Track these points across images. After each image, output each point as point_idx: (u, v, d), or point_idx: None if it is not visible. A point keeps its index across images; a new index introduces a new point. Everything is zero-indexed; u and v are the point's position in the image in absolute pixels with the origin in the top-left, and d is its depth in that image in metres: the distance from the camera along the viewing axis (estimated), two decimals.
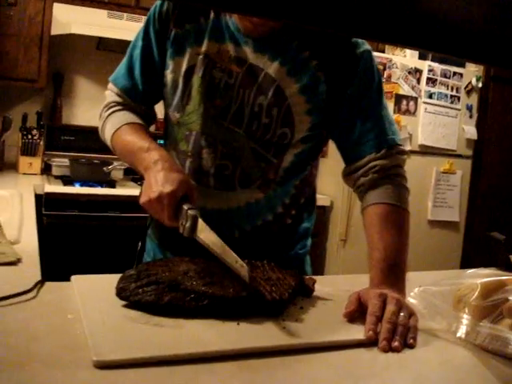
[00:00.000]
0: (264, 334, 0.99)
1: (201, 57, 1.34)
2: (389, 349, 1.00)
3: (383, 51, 3.91)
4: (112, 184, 3.39)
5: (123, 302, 1.05)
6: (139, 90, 1.44)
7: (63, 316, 1.00)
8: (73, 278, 1.18)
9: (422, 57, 4.04)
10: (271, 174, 1.38)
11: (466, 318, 1.07)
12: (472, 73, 4.19)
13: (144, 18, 3.47)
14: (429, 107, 4.04)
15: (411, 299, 1.17)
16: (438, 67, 4.06)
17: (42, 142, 3.52)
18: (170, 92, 1.40)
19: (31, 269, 1.29)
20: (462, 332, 1.07)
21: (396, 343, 1.00)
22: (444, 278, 1.28)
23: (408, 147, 3.75)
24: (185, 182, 1.19)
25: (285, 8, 0.49)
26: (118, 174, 3.58)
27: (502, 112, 4.46)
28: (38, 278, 1.19)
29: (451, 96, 4.14)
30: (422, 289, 1.19)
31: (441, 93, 4.09)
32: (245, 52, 1.33)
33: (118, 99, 1.46)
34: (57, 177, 3.44)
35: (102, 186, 3.30)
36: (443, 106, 4.10)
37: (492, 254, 1.83)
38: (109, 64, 3.60)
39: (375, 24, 0.52)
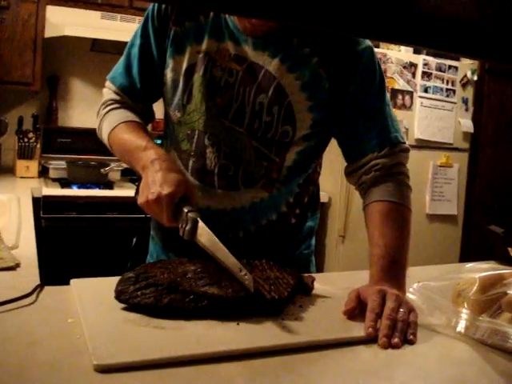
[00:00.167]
0: (264, 333, 0.99)
1: (201, 55, 1.33)
2: (389, 345, 1.00)
3: (378, 46, 3.90)
4: (110, 185, 3.39)
5: (122, 305, 1.05)
6: (137, 88, 1.43)
7: (63, 320, 1.00)
8: (72, 281, 1.18)
9: (416, 51, 4.04)
10: (274, 173, 1.38)
11: (465, 313, 1.07)
12: (467, 66, 4.19)
13: (138, 19, 3.50)
14: (424, 101, 4.04)
15: (410, 295, 1.17)
16: (433, 61, 4.06)
17: (38, 145, 3.51)
18: (171, 91, 1.40)
19: (30, 273, 1.29)
20: (461, 327, 1.07)
21: (396, 339, 1.00)
22: (443, 272, 1.28)
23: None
24: (183, 182, 1.18)
25: (278, 9, 0.49)
26: (115, 176, 3.57)
27: (497, 104, 4.46)
28: (37, 282, 1.18)
29: (447, 89, 4.14)
30: (420, 284, 1.19)
31: (436, 86, 4.09)
32: (245, 50, 1.32)
33: (115, 97, 1.45)
34: (54, 179, 3.44)
35: (99, 188, 3.30)
36: (439, 100, 4.10)
37: (490, 247, 1.83)
38: (103, 65, 3.61)
39: (369, 22, 0.52)
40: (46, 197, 3.03)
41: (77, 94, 3.83)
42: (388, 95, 1.42)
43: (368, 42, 1.35)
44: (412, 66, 3.98)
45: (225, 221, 1.39)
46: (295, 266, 1.32)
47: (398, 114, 3.85)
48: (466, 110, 4.26)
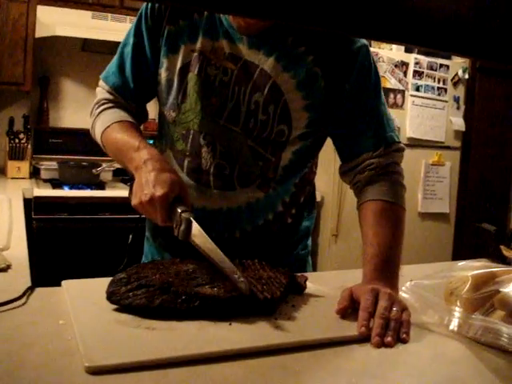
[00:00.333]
0: (257, 333, 0.99)
1: (195, 54, 1.33)
2: (382, 344, 0.99)
3: (369, 45, 3.91)
4: (101, 186, 3.38)
5: (114, 306, 1.04)
6: (130, 87, 1.42)
7: (54, 322, 0.99)
8: (63, 282, 1.17)
9: (408, 50, 4.05)
10: (270, 173, 1.37)
11: (457, 311, 1.07)
12: (458, 64, 4.21)
13: (129, 18, 3.49)
14: (416, 100, 4.06)
15: (403, 293, 1.17)
16: (425, 60, 4.07)
17: (29, 146, 3.50)
18: (165, 90, 1.39)
19: (21, 275, 1.28)
20: (454, 325, 1.07)
21: (389, 338, 1.00)
22: (435, 270, 1.28)
23: None
24: (177, 182, 1.17)
25: (272, 8, 0.48)
26: (107, 176, 3.56)
27: (489, 102, 4.48)
28: (28, 284, 1.18)
29: (438, 88, 4.15)
30: (413, 283, 1.19)
31: (428, 85, 4.10)
32: (239, 49, 1.31)
33: (108, 96, 1.44)
34: (46, 180, 3.43)
35: (91, 189, 3.29)
36: (430, 99, 4.12)
37: (483, 245, 1.84)
38: (94, 65, 3.61)
39: (363, 21, 0.51)
40: (37, 198, 3.01)
41: (68, 95, 3.82)
42: (384, 96, 1.42)
43: (363, 41, 1.34)
44: (403, 64, 3.99)
45: (221, 221, 1.38)
46: (292, 266, 1.32)
47: (390, 113, 3.86)
48: (458, 108, 4.27)
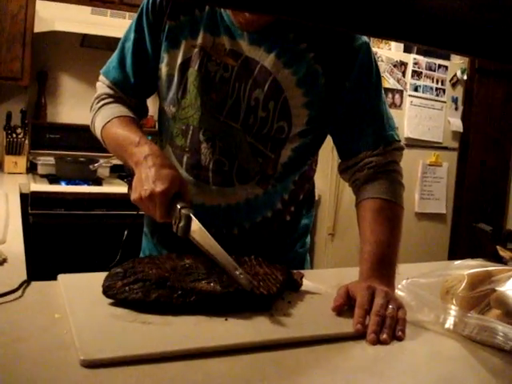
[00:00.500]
0: (252, 329, 0.99)
1: (196, 50, 1.32)
2: (377, 341, 1.00)
3: None
4: (98, 182, 3.38)
5: (110, 300, 1.04)
6: (131, 82, 1.42)
7: (50, 315, 0.99)
8: (59, 276, 1.17)
9: (407, 50, 4.05)
10: (269, 170, 1.37)
11: (453, 310, 1.07)
12: (457, 65, 4.21)
13: (128, 14, 3.48)
14: (414, 100, 4.06)
15: (399, 291, 1.17)
16: (423, 60, 4.08)
17: (26, 141, 3.50)
18: (165, 85, 1.39)
19: (17, 269, 1.28)
20: (449, 323, 1.07)
21: (384, 336, 1.00)
22: (431, 269, 1.28)
23: None
24: (177, 178, 1.17)
25: (274, 3, 0.48)
26: (104, 172, 3.56)
27: (487, 103, 4.49)
28: (24, 277, 1.17)
29: (436, 88, 4.16)
30: (409, 281, 1.19)
31: (426, 85, 4.11)
32: (240, 45, 1.31)
33: (109, 91, 1.43)
34: (42, 175, 3.42)
35: (88, 184, 3.29)
36: (429, 99, 4.13)
37: (479, 245, 1.84)
38: (93, 61, 3.60)
39: (362, 18, 0.51)
40: (34, 193, 3.01)
41: (66, 90, 3.81)
42: (384, 95, 1.41)
43: (365, 39, 1.34)
44: (402, 64, 4.00)
45: (219, 217, 1.38)
46: (290, 264, 1.32)
47: (391, 112, 3.87)
48: (456, 109, 4.28)
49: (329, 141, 1.45)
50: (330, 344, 0.98)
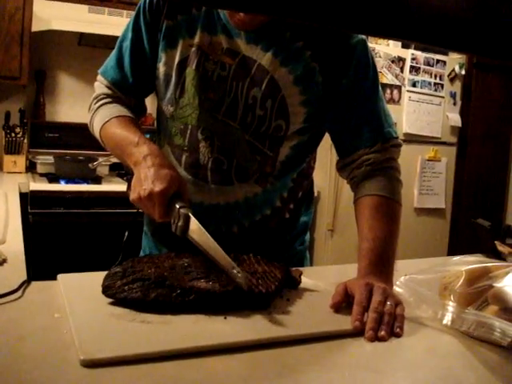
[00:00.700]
0: (251, 327, 1.00)
1: (193, 49, 1.32)
2: (375, 338, 1.00)
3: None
4: (98, 180, 3.38)
5: (109, 300, 1.04)
6: (129, 82, 1.42)
7: (50, 315, 1.00)
8: (59, 276, 1.17)
9: (405, 45, 4.05)
10: (268, 168, 1.37)
11: (451, 306, 1.08)
12: (455, 60, 4.21)
13: (125, 13, 3.47)
14: (413, 95, 4.06)
15: (397, 288, 1.17)
16: (421, 55, 4.08)
17: (25, 140, 3.50)
18: (163, 85, 1.39)
19: (17, 269, 1.29)
20: (447, 319, 1.07)
21: (382, 332, 1.01)
22: (429, 265, 1.29)
23: None
24: (176, 178, 1.17)
25: (269, 3, 0.49)
26: (103, 170, 3.56)
27: (485, 98, 4.48)
28: (24, 277, 1.18)
29: (435, 84, 4.16)
30: (407, 277, 1.19)
31: (424, 81, 4.11)
32: (237, 44, 1.31)
33: (107, 91, 1.44)
34: (42, 174, 3.42)
35: (87, 183, 3.29)
36: (427, 94, 4.12)
37: (478, 240, 1.84)
38: (91, 59, 3.60)
39: (358, 17, 0.52)
40: (33, 192, 3.01)
41: (64, 89, 3.81)
42: (381, 92, 1.41)
43: (361, 36, 1.34)
44: (400, 60, 4.00)
45: (218, 216, 1.38)
46: (290, 261, 1.32)
47: (388, 109, 3.87)
48: (454, 104, 4.28)
49: (328, 137, 1.45)
50: (328, 341, 0.98)
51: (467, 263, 1.21)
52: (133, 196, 1.19)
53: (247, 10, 0.60)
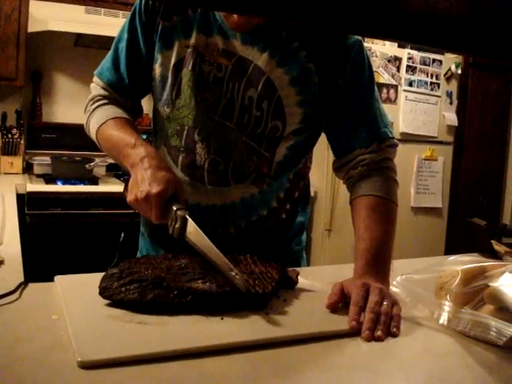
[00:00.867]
0: (248, 327, 1.00)
1: (189, 50, 1.32)
2: (372, 338, 1.00)
3: (363, 40, 3.91)
4: (95, 181, 3.38)
5: (107, 301, 1.04)
6: (125, 83, 1.42)
7: (47, 317, 1.00)
8: (56, 278, 1.17)
9: (401, 45, 4.05)
10: (265, 168, 1.37)
11: (447, 305, 1.08)
12: (451, 60, 4.21)
13: (122, 13, 3.47)
14: (409, 95, 4.07)
15: (394, 288, 1.17)
16: (418, 55, 4.08)
17: (22, 141, 3.50)
18: (159, 86, 1.39)
19: (14, 270, 1.29)
20: (444, 319, 1.07)
21: (379, 332, 1.01)
22: (426, 265, 1.29)
23: None
24: (173, 180, 1.18)
25: (266, 5, 0.49)
26: (100, 171, 3.56)
27: (481, 97, 4.49)
28: (21, 279, 1.18)
29: (431, 83, 4.16)
30: (404, 277, 1.20)
31: (421, 80, 4.11)
32: (233, 44, 1.31)
33: (103, 93, 1.43)
34: (39, 175, 3.42)
35: (84, 184, 3.29)
36: (423, 94, 4.13)
37: (474, 239, 1.85)
38: (88, 60, 3.60)
39: (354, 18, 0.52)
40: (30, 193, 3.01)
41: (61, 90, 3.81)
42: (377, 92, 1.42)
43: (357, 36, 1.34)
44: (396, 59, 4.00)
45: (215, 217, 1.38)
46: (287, 261, 1.32)
47: (384, 109, 3.87)
48: (451, 103, 4.28)
49: (324, 137, 1.45)
50: (325, 341, 0.99)
51: (463, 263, 1.21)
52: (130, 198, 1.19)
53: (242, 12, 0.61)
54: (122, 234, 1.43)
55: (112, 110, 1.39)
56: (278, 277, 1.16)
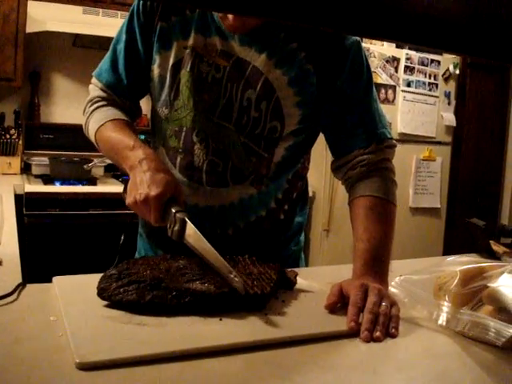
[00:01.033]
0: (247, 328, 1.00)
1: (188, 51, 1.32)
2: (371, 339, 1.00)
3: (361, 41, 3.91)
4: (93, 181, 3.37)
5: (105, 302, 1.04)
6: (124, 84, 1.41)
7: (45, 318, 1.00)
8: (54, 279, 1.17)
9: (399, 45, 4.05)
10: (263, 169, 1.37)
11: (446, 306, 1.08)
12: (449, 60, 4.21)
13: (120, 14, 3.47)
14: (407, 95, 4.07)
15: (392, 289, 1.17)
16: (416, 55, 4.08)
17: (20, 142, 3.49)
18: (158, 87, 1.38)
19: (12, 271, 1.29)
20: (442, 320, 1.07)
21: (378, 333, 1.01)
22: (424, 266, 1.29)
23: None
24: (172, 182, 1.18)
25: (264, 5, 0.49)
26: (98, 171, 3.56)
27: (479, 98, 4.49)
28: (19, 280, 1.18)
29: (429, 83, 4.16)
30: (402, 278, 1.20)
31: (419, 81, 4.11)
32: (231, 45, 1.31)
33: (102, 94, 1.43)
34: (37, 176, 3.42)
35: (82, 184, 3.28)
36: (421, 94, 4.13)
37: (473, 239, 1.85)
38: (86, 61, 3.59)
39: (352, 19, 0.52)
40: (28, 193, 3.01)
41: (59, 90, 3.80)
42: (375, 92, 1.42)
43: (356, 37, 1.34)
44: (395, 60, 4.00)
45: (214, 218, 1.38)
46: (285, 262, 1.32)
47: (382, 109, 3.87)
48: (449, 103, 4.28)
49: (322, 138, 1.45)
50: (323, 342, 0.99)
51: (462, 263, 1.21)
52: (128, 200, 1.19)
53: (240, 13, 0.60)
54: (122, 237, 1.43)
55: (111, 112, 1.39)
56: (277, 277, 1.16)
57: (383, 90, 3.94)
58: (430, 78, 4.16)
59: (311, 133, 1.42)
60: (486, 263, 1.20)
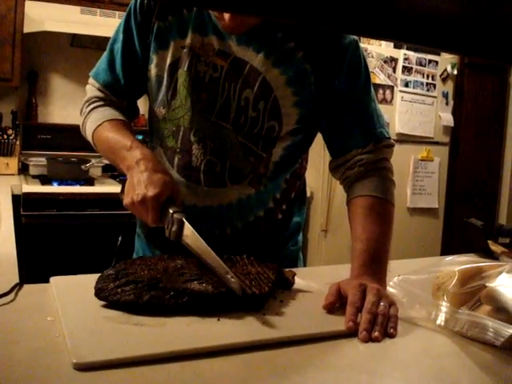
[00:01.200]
0: (245, 329, 0.99)
1: (185, 50, 1.32)
2: (369, 339, 1.00)
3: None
4: (90, 182, 3.37)
5: (102, 303, 1.04)
6: (121, 84, 1.41)
7: (42, 318, 0.99)
8: (51, 279, 1.17)
9: (397, 46, 4.06)
10: (261, 169, 1.37)
11: (444, 306, 1.08)
12: (447, 60, 4.22)
13: (118, 13, 3.47)
14: (405, 95, 4.07)
15: (391, 288, 1.17)
16: (414, 55, 4.08)
17: (18, 142, 3.49)
18: (155, 87, 1.38)
19: (9, 271, 1.28)
20: (441, 320, 1.07)
21: (376, 333, 1.00)
22: (423, 266, 1.29)
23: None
24: (169, 183, 1.17)
25: (259, 3, 0.49)
26: (96, 172, 3.55)
27: (477, 98, 4.49)
28: (16, 280, 1.17)
29: (427, 84, 4.17)
30: (400, 278, 1.19)
31: (417, 81, 4.11)
32: (229, 45, 1.31)
33: (99, 94, 1.43)
34: (34, 176, 3.41)
35: (80, 184, 3.28)
36: (419, 94, 4.13)
37: (471, 240, 1.85)
38: (83, 61, 3.59)
39: (349, 18, 0.52)
40: (26, 194, 3.00)
41: (57, 90, 3.80)
42: (374, 92, 1.42)
43: (353, 36, 1.34)
44: (393, 60, 4.00)
45: (211, 218, 1.38)
46: (283, 262, 1.32)
47: (380, 109, 3.87)
48: (447, 104, 4.29)
49: (320, 137, 1.45)
50: (322, 342, 0.98)
51: (460, 263, 1.21)
52: (126, 201, 1.19)
53: (237, 11, 0.60)
54: (120, 237, 1.43)
55: (108, 112, 1.39)
56: (275, 277, 1.16)
57: (381, 91, 3.94)
58: (427, 78, 4.16)
59: (309, 132, 1.42)
60: (484, 263, 1.20)
